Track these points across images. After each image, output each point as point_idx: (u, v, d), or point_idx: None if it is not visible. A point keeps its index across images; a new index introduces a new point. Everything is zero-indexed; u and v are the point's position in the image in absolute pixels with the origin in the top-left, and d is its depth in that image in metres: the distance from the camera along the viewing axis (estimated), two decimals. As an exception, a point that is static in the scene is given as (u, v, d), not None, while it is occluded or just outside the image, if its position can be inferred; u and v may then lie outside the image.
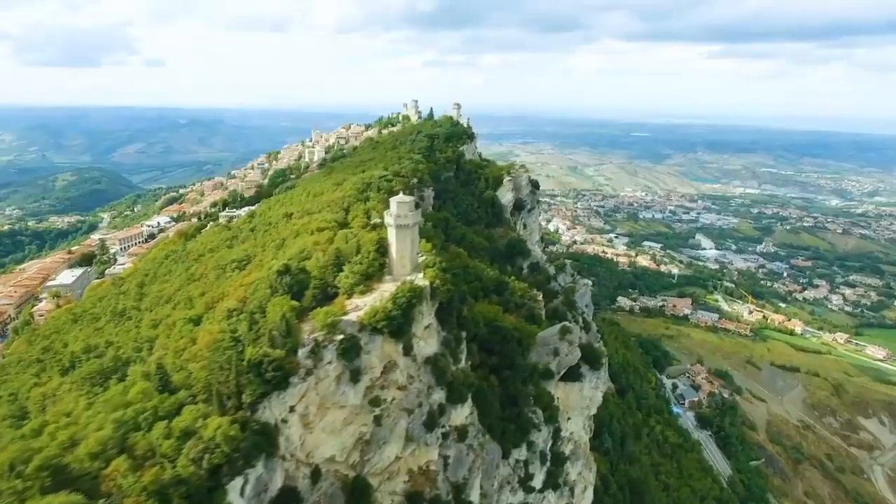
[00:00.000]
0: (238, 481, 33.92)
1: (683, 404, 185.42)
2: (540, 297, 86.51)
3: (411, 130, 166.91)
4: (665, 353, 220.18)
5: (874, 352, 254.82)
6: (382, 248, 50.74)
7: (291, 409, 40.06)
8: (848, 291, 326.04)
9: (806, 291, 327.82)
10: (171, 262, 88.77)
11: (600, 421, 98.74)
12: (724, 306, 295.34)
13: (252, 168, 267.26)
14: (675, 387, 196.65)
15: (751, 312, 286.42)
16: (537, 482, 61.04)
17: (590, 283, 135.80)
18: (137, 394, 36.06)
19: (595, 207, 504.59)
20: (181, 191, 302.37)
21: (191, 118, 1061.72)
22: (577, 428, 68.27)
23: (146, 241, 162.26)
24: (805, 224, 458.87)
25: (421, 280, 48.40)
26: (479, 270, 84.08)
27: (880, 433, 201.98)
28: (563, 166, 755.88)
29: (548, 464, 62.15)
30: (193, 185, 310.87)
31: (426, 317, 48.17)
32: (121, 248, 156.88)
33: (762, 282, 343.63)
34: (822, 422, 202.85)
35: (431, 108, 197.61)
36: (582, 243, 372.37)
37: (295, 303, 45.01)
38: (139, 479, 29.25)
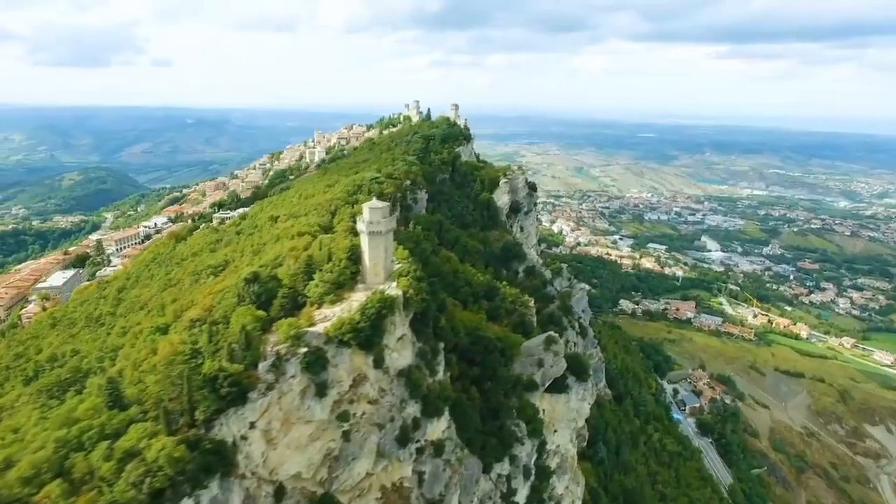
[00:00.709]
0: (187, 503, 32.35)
1: (684, 410, 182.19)
2: (531, 303, 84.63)
3: (408, 131, 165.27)
4: (666, 358, 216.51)
5: (882, 357, 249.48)
6: (355, 256, 49.00)
7: (252, 426, 38.55)
8: (856, 295, 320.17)
9: (812, 295, 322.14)
10: (156, 266, 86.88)
11: (595, 429, 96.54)
12: (729, 310, 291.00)
13: (254, 168, 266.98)
14: (676, 392, 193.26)
15: (755, 316, 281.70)
16: (521, 497, 59.11)
17: (587, 287, 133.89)
18: (87, 410, 34.53)
19: (600, 208, 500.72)
20: (185, 191, 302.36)
21: (198, 118, 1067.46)
22: (563, 441, 66.18)
23: (142, 242, 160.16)
24: (812, 226, 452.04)
25: (394, 289, 46.64)
26: (470, 275, 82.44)
27: (887, 441, 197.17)
28: (569, 167, 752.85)
29: (532, 478, 60.17)
30: (197, 184, 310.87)
31: (399, 328, 46.45)
32: (116, 250, 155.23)
33: (768, 285, 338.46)
34: (827, 429, 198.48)
35: (429, 109, 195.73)
36: (586, 245, 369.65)
37: (261, 313, 43.55)
38: (72, 505, 27.64)
